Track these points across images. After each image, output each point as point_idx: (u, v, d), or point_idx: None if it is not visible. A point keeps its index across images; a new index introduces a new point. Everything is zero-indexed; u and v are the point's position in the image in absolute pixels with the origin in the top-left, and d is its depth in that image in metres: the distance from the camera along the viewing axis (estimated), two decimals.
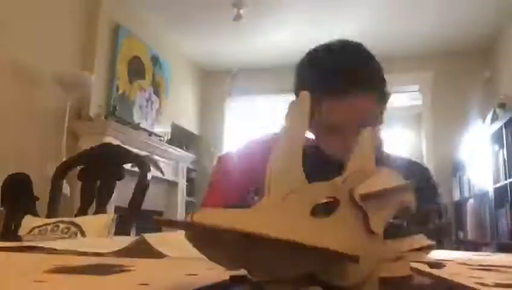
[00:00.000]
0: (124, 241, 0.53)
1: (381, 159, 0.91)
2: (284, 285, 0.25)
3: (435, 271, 0.33)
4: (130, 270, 0.34)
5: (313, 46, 1.11)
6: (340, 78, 0.88)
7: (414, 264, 0.35)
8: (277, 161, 0.29)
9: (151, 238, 0.50)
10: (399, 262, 0.31)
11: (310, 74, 0.95)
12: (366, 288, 0.27)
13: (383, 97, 0.95)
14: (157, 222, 0.24)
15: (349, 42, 1.03)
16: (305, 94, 0.32)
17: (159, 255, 0.47)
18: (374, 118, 0.91)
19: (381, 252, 0.29)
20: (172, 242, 0.50)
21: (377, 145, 0.96)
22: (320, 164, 0.77)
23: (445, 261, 0.39)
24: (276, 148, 0.29)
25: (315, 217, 0.27)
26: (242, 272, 0.27)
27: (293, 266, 0.24)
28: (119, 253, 0.50)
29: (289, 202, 0.27)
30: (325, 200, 0.28)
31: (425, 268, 0.34)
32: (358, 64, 0.92)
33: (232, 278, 0.29)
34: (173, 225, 0.24)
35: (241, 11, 3.91)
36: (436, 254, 0.58)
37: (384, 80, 0.96)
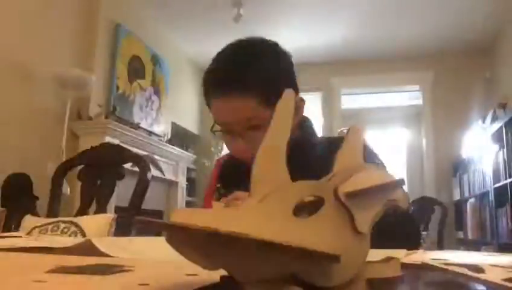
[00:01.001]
0: (72, 241, 0.55)
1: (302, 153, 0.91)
2: (265, 286, 0.24)
3: (482, 276, 0.32)
4: (130, 271, 0.34)
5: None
6: (219, 80, 0.93)
7: (456, 269, 0.34)
8: (261, 161, 0.28)
9: (97, 240, 0.52)
10: (390, 262, 0.29)
11: (203, 79, 0.99)
12: (353, 289, 0.26)
13: (273, 98, 0.93)
14: (137, 221, 0.24)
15: (241, 43, 1.01)
16: (289, 93, 0.31)
17: (104, 255, 0.49)
18: (262, 119, 0.89)
19: (368, 252, 0.28)
20: (121, 245, 0.53)
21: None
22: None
23: (481, 265, 0.38)
24: (261, 148, 0.29)
25: (298, 217, 0.26)
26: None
27: (273, 267, 0.24)
28: (66, 250, 0.52)
29: (270, 201, 0.25)
30: (309, 199, 0.27)
31: (467, 272, 0.33)
32: (237, 66, 0.92)
33: (222, 278, 0.28)
34: (151, 225, 0.23)
35: (241, 11, 3.91)
36: (464, 256, 0.58)
37: (277, 81, 0.92)
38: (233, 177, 0.96)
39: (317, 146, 1.02)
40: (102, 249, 0.50)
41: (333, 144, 0.93)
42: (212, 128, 1.00)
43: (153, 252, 0.56)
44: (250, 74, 0.91)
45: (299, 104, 0.99)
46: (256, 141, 0.89)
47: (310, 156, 0.94)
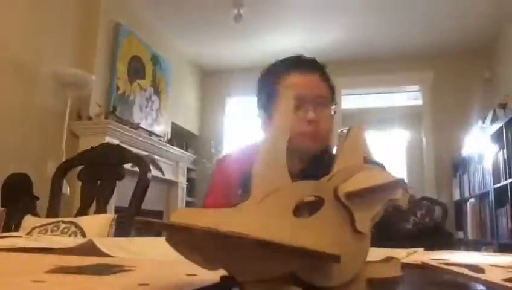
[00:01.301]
0: (74, 241, 0.55)
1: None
2: (265, 285, 0.24)
3: (482, 276, 0.32)
4: (130, 271, 0.34)
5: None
6: (302, 60, 1.17)
7: (456, 269, 0.34)
8: (262, 160, 0.27)
9: (98, 240, 0.53)
10: (390, 262, 0.29)
11: (273, 65, 1.19)
12: (353, 289, 0.26)
13: (332, 89, 1.17)
14: (137, 222, 0.24)
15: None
16: (288, 92, 0.31)
17: (105, 255, 0.49)
18: (327, 100, 1.13)
19: (368, 252, 0.27)
20: (122, 245, 0.54)
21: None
22: None
23: (481, 265, 0.38)
24: (261, 147, 0.28)
25: (298, 217, 0.26)
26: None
27: (272, 266, 0.24)
28: (67, 251, 0.52)
29: (271, 202, 0.25)
30: (309, 199, 0.27)
31: (467, 272, 0.33)
32: (311, 57, 1.20)
33: (222, 278, 0.28)
34: (151, 225, 0.23)
35: (241, 11, 3.90)
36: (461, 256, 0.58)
37: (331, 80, 1.19)
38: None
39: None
40: (104, 250, 0.50)
41: None
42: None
43: (153, 252, 0.56)
44: (321, 65, 1.19)
45: (335, 110, 1.19)
46: (322, 117, 1.10)
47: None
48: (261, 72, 1.21)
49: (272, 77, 1.15)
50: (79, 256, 0.49)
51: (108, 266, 0.37)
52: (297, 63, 1.15)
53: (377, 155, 3.90)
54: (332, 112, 1.15)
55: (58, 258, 0.46)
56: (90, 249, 0.52)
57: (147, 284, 0.27)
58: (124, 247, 0.55)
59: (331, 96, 1.15)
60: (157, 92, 4.36)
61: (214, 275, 0.31)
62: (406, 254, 0.57)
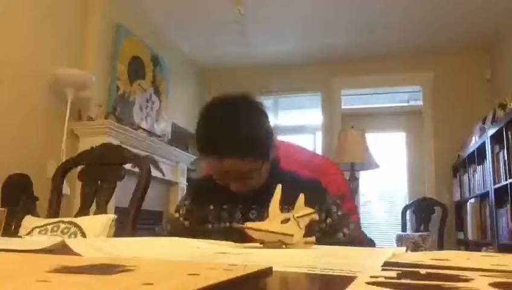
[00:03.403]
0: (47, 241, 0.56)
1: (276, 177, 1.11)
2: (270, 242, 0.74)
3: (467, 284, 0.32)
4: (132, 270, 0.34)
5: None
6: (215, 146, 1.09)
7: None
8: (271, 210, 0.78)
9: (72, 241, 0.54)
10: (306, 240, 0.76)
11: (196, 136, 1.15)
12: (298, 246, 0.73)
13: (263, 153, 1.13)
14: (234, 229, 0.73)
15: (227, 104, 1.15)
16: (279, 189, 0.81)
17: (78, 255, 0.50)
18: (254, 170, 1.11)
19: (301, 234, 0.75)
20: (95, 245, 0.56)
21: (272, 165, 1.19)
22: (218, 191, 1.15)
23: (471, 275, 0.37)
24: (270, 210, 0.78)
25: (283, 224, 0.75)
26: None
27: (274, 237, 0.73)
28: (41, 251, 0.53)
29: (275, 220, 0.76)
30: (286, 218, 0.76)
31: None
32: (230, 135, 1.08)
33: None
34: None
35: (242, 11, 3.90)
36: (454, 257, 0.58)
37: (264, 138, 1.13)
38: (206, 197, 1.21)
39: (280, 175, 1.20)
40: (76, 250, 0.50)
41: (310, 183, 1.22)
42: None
43: (127, 252, 0.57)
44: (244, 141, 1.07)
45: (275, 148, 1.20)
46: (249, 183, 1.14)
47: (281, 176, 1.15)
48: (197, 123, 1.16)
49: (199, 152, 1.15)
50: (80, 256, 0.49)
51: (109, 265, 0.37)
52: (212, 150, 1.10)
53: (376, 155, 3.89)
54: (265, 168, 1.15)
55: (60, 258, 0.46)
56: (63, 249, 0.52)
57: (151, 284, 0.27)
58: (97, 247, 0.55)
59: (261, 160, 1.12)
60: (157, 92, 4.36)
61: (214, 275, 0.32)
62: (391, 253, 0.57)
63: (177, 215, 1.27)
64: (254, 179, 1.14)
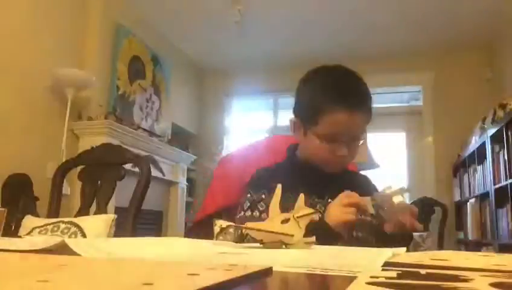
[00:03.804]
0: (47, 241, 0.56)
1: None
2: (271, 243, 0.71)
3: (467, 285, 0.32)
4: (132, 270, 0.34)
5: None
6: (351, 98, 1.06)
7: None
8: (271, 211, 0.77)
9: (71, 241, 0.53)
10: (306, 240, 0.73)
11: (321, 90, 1.10)
12: (298, 246, 0.71)
13: (370, 116, 1.13)
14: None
15: (346, 68, 1.18)
16: (279, 189, 0.78)
17: (78, 255, 0.50)
18: (363, 134, 1.11)
19: (301, 234, 0.73)
20: (95, 245, 0.56)
21: (367, 156, 1.19)
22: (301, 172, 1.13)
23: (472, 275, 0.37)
24: (271, 208, 0.77)
25: (283, 224, 0.73)
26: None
27: (275, 237, 0.71)
28: (40, 251, 0.53)
29: (276, 220, 0.74)
30: (286, 218, 0.74)
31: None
32: (362, 89, 1.12)
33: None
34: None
35: (241, 12, 3.91)
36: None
37: (371, 100, 1.14)
38: (267, 185, 1.10)
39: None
40: (76, 250, 0.50)
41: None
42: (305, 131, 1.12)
43: (128, 252, 0.57)
44: (369, 98, 1.12)
45: None
46: (353, 151, 1.11)
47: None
48: (303, 79, 1.19)
49: (317, 98, 1.09)
50: (79, 256, 0.49)
51: (111, 265, 0.37)
52: (347, 98, 1.05)
53: (377, 155, 3.89)
54: (362, 141, 1.13)
55: (60, 258, 0.46)
56: (63, 249, 0.52)
57: (151, 284, 0.27)
58: (98, 247, 0.55)
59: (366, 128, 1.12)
60: (157, 92, 4.36)
61: (214, 275, 0.31)
62: (391, 253, 0.57)
63: (249, 212, 1.12)
64: (357, 148, 1.11)
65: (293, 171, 1.16)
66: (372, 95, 1.13)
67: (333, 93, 1.07)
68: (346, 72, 1.15)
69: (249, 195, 1.17)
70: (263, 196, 1.10)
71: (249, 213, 1.14)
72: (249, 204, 1.15)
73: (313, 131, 1.09)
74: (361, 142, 1.11)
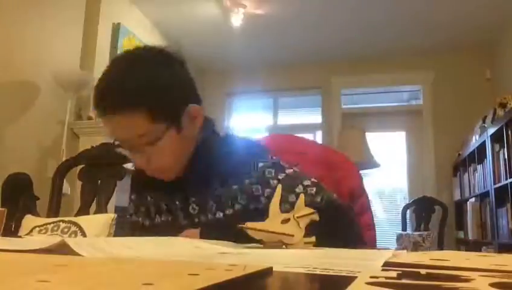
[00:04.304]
0: (47, 241, 0.56)
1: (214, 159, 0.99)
2: (270, 243, 0.72)
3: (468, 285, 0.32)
4: (132, 270, 0.34)
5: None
6: (101, 99, 0.90)
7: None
8: (272, 209, 0.76)
9: (71, 241, 0.53)
10: (306, 240, 0.74)
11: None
12: (298, 246, 0.72)
13: (162, 111, 0.90)
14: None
15: (126, 56, 0.99)
16: (279, 188, 0.77)
17: (78, 254, 0.50)
18: (152, 134, 0.89)
19: (301, 234, 0.73)
20: (96, 245, 0.55)
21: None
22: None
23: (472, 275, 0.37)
24: (271, 210, 0.75)
25: (283, 224, 0.73)
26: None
27: (274, 237, 0.72)
28: (40, 251, 0.53)
29: (275, 220, 0.74)
30: (286, 218, 0.73)
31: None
32: (114, 84, 0.90)
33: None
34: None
35: (242, 13, 3.91)
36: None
37: (165, 92, 0.91)
38: (147, 186, 1.02)
39: (221, 144, 1.05)
40: (77, 250, 0.50)
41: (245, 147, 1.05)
42: (113, 143, 0.98)
43: (129, 252, 0.57)
44: (131, 92, 0.87)
45: (195, 113, 1.00)
46: (153, 156, 0.92)
47: (214, 153, 1.00)
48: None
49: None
50: (78, 256, 0.49)
51: (111, 265, 0.37)
52: (98, 104, 0.90)
53: (377, 154, 3.89)
54: (173, 139, 0.93)
55: (60, 258, 0.46)
56: (63, 249, 0.52)
57: (151, 284, 0.27)
58: (98, 247, 0.55)
59: (161, 122, 0.90)
60: None
61: (214, 275, 0.31)
62: (391, 253, 0.57)
63: (128, 216, 1.12)
64: (156, 150, 0.91)
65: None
66: (154, 80, 0.90)
67: (94, 99, 0.93)
68: (110, 64, 0.97)
69: (132, 197, 1.12)
70: (149, 198, 1.03)
71: (135, 218, 1.10)
72: (133, 207, 1.11)
73: None
74: (162, 141, 0.91)
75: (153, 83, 0.90)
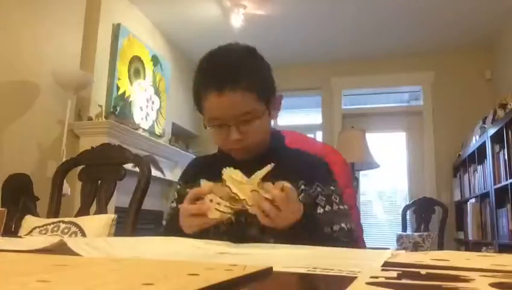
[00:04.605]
0: (47, 241, 0.55)
1: (278, 152, 1.06)
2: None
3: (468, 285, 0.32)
4: (132, 270, 0.34)
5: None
6: (216, 76, 0.98)
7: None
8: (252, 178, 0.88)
9: (71, 241, 0.53)
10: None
11: (196, 76, 1.05)
12: (254, 209, 0.83)
13: (264, 94, 1.01)
14: None
15: (230, 46, 1.07)
16: (270, 166, 0.85)
17: (77, 255, 0.50)
18: (256, 113, 0.99)
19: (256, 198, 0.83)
20: (95, 245, 0.55)
21: (275, 138, 1.11)
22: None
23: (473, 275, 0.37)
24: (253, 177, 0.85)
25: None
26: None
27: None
28: (40, 251, 0.53)
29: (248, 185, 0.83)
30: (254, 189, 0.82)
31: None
32: (233, 64, 0.99)
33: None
34: None
35: (242, 14, 3.91)
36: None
37: (266, 78, 1.05)
38: (198, 175, 1.03)
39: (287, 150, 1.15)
40: (75, 249, 0.50)
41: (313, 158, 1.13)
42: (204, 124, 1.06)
43: (128, 252, 0.57)
44: (246, 72, 0.98)
45: (279, 103, 1.11)
46: (249, 133, 1.00)
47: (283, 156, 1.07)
48: (194, 71, 1.08)
49: (196, 88, 1.05)
50: (78, 256, 0.49)
51: (111, 265, 0.37)
52: (213, 80, 0.98)
53: (377, 155, 3.89)
54: (266, 120, 1.03)
55: (60, 258, 0.46)
56: (63, 249, 0.52)
57: (151, 284, 0.27)
58: (98, 247, 0.55)
59: (262, 103, 1.00)
60: (157, 92, 4.36)
61: (214, 275, 0.31)
62: (391, 253, 0.57)
63: (173, 204, 1.14)
64: (254, 128, 0.99)
65: (214, 162, 1.11)
66: (260, 67, 1.04)
67: (200, 76, 1.03)
68: (216, 50, 1.04)
69: (178, 186, 1.17)
70: (187, 190, 1.00)
71: (174, 205, 1.14)
72: (176, 196, 1.16)
73: (205, 119, 1.05)
74: (259, 121, 1.00)
75: (263, 69, 1.05)
